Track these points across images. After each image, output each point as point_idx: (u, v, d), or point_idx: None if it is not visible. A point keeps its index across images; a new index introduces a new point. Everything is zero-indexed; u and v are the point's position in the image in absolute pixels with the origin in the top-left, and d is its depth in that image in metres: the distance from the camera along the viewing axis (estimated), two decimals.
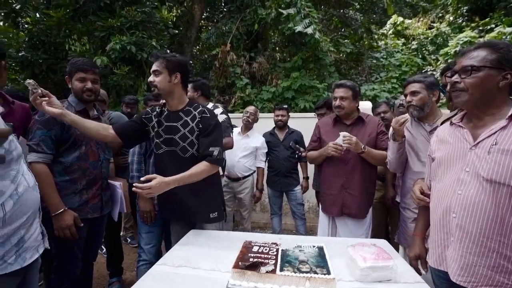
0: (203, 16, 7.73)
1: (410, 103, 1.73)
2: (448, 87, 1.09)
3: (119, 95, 4.74)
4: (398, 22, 9.31)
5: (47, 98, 1.43)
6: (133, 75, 4.92)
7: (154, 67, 1.54)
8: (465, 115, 1.14)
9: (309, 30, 5.41)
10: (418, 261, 1.31)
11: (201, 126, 1.56)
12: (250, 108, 3.07)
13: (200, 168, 1.49)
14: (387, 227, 2.68)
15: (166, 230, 2.00)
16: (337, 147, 1.84)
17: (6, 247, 1.04)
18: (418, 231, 1.33)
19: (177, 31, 5.94)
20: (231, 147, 2.44)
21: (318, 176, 2.62)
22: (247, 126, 3.01)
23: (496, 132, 0.97)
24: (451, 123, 1.16)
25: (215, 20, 8.30)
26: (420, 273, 1.30)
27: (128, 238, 3.43)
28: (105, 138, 1.61)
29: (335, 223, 2.05)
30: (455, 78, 1.04)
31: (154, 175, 1.39)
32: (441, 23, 9.30)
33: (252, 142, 2.99)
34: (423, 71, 7.66)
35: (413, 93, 1.72)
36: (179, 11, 5.76)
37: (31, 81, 1.41)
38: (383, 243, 1.48)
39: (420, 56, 8.10)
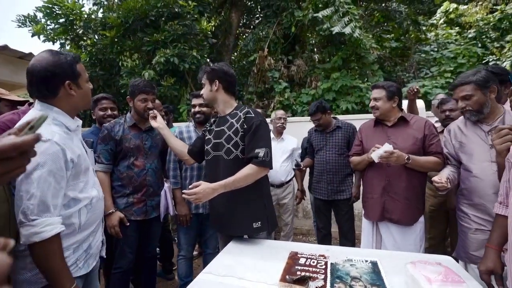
0: (240, 24, 7.92)
1: (465, 109, 1.52)
2: None
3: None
4: (451, 10, 8.41)
5: (155, 115, 1.82)
6: (177, 86, 5.22)
7: (202, 81, 1.66)
8: None
9: (347, 30, 5.17)
10: (491, 276, 1.13)
11: (245, 126, 1.49)
12: (281, 113, 3.01)
13: (246, 171, 1.42)
14: (446, 239, 2.40)
15: (200, 232, 2.20)
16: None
17: (79, 252, 1.15)
18: (494, 243, 1.16)
19: (215, 40, 6.16)
20: None
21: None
22: (280, 131, 2.97)
23: None
24: None
25: (252, 27, 8.45)
26: None
27: (176, 238, 3.71)
28: (182, 156, 1.79)
29: (379, 230, 1.91)
30: None
31: (200, 181, 1.39)
32: (507, 4, 8.14)
33: (289, 144, 2.95)
34: (483, 61, 6.79)
35: (465, 98, 1.50)
36: (217, 21, 5.98)
37: (153, 110, 1.89)
38: (448, 261, 1.30)
39: (479, 45, 7.19)
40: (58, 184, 1.00)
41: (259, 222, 1.53)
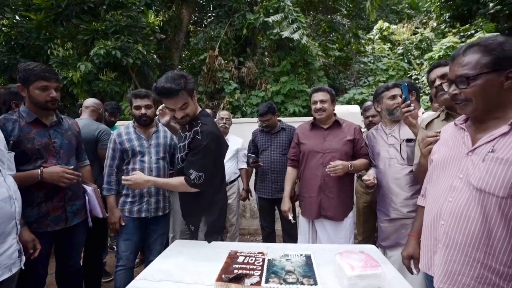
0: (191, 21, 7.70)
1: (398, 105, 1.77)
2: (437, 97, 1.04)
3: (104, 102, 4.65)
4: (384, 28, 9.52)
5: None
6: (119, 81, 4.82)
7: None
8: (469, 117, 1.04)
9: (296, 36, 5.45)
10: (410, 260, 1.28)
11: (191, 146, 1.52)
12: (224, 114, 3.01)
13: (177, 181, 1.54)
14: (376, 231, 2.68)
15: (143, 238, 2.02)
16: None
17: None
18: (415, 231, 1.29)
19: (164, 36, 5.88)
20: None
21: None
22: (225, 132, 2.98)
23: (496, 138, 0.90)
24: (455, 124, 1.08)
25: (203, 25, 8.29)
26: (412, 273, 1.28)
27: (114, 246, 3.37)
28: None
29: (314, 227, 2.04)
30: (454, 89, 0.97)
31: (137, 171, 1.60)
32: (425, 28, 9.57)
33: (233, 145, 2.94)
34: (408, 75, 7.84)
35: (394, 97, 1.79)
36: (166, 15, 5.71)
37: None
38: (371, 249, 1.45)
39: (406, 61, 8.28)
40: None
41: (193, 227, 1.65)
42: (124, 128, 1.97)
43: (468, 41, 6.51)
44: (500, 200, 0.86)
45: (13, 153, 1.33)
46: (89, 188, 1.81)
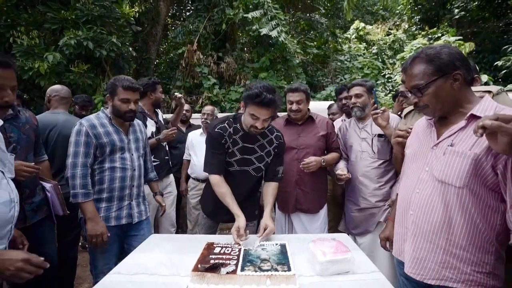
0: (169, 14, 7.50)
1: (355, 104, 1.88)
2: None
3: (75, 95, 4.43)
4: (360, 28, 9.84)
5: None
6: (92, 74, 4.60)
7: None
8: None
9: (274, 33, 5.49)
10: (386, 242, 1.39)
11: (277, 151, 1.71)
12: (207, 109, 3.00)
13: (275, 188, 1.69)
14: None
15: (121, 246, 1.76)
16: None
17: None
18: (393, 216, 1.37)
19: (140, 28, 5.67)
20: None
21: None
22: (207, 127, 2.97)
23: (455, 132, 0.97)
24: (426, 119, 1.15)
25: (182, 19, 8.11)
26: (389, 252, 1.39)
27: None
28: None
29: (290, 219, 2.10)
30: (413, 98, 1.06)
31: (263, 226, 1.47)
32: (397, 30, 10.02)
33: None
34: (382, 74, 8.20)
35: (357, 96, 1.89)
36: (142, 7, 5.51)
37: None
38: (342, 236, 1.53)
39: (380, 60, 8.64)
40: None
41: (257, 211, 1.82)
42: (96, 118, 1.66)
43: (436, 43, 6.91)
44: (457, 190, 0.94)
45: (14, 155, 1.22)
46: (48, 185, 1.64)
